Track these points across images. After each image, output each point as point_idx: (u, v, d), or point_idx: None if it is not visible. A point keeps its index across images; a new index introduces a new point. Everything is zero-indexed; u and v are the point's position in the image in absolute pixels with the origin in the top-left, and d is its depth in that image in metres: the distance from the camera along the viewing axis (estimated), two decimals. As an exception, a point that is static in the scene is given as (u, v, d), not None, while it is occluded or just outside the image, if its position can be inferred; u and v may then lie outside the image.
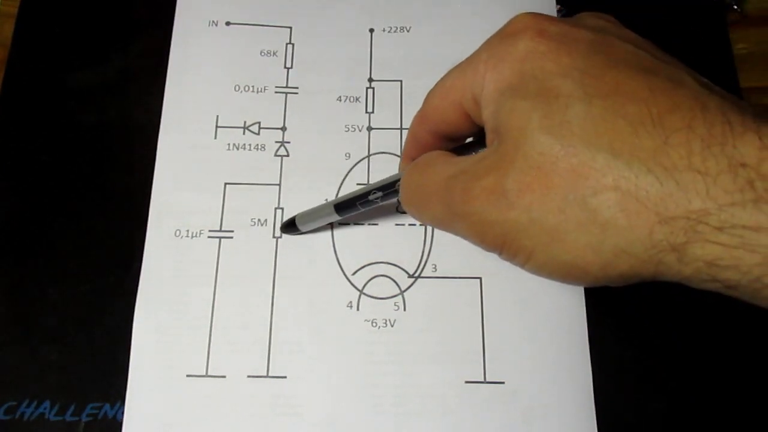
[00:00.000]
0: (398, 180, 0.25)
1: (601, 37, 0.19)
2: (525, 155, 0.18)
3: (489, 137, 0.21)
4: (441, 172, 0.21)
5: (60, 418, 0.30)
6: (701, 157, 0.16)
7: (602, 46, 0.19)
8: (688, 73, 0.19)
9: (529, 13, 0.20)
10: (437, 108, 0.23)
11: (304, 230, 0.32)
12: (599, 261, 0.18)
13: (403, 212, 0.33)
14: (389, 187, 0.26)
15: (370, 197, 0.27)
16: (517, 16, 0.21)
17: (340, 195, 0.34)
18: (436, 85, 0.23)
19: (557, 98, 0.18)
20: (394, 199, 0.27)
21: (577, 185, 0.17)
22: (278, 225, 0.33)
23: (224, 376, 0.31)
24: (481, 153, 0.20)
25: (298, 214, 0.32)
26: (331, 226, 0.33)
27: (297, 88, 0.36)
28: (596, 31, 0.20)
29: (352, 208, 0.29)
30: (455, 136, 0.24)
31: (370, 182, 0.34)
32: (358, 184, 0.34)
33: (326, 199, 0.34)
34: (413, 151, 0.25)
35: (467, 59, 0.22)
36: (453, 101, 0.22)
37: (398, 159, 0.34)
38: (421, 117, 0.24)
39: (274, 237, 0.33)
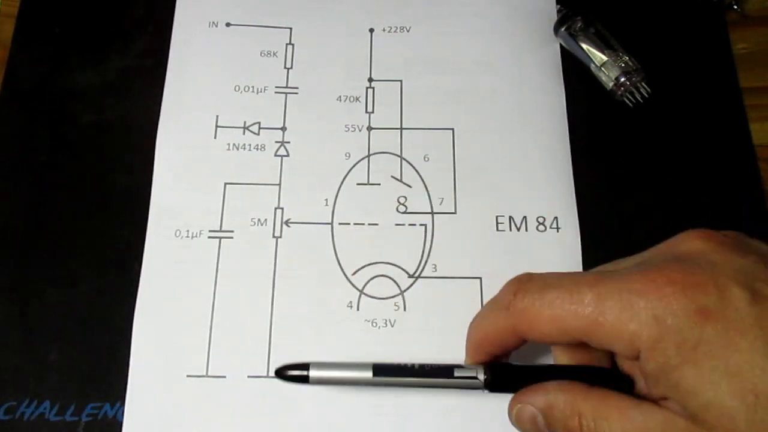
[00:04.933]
0: (474, 378, 0.25)
1: (755, 299, 0.19)
2: None
3: (657, 390, 0.20)
4: (634, 425, 0.20)
5: (60, 418, 0.30)
6: None
7: (763, 314, 0.19)
8: None
9: (678, 270, 0.20)
10: (539, 326, 0.22)
11: (313, 382, 0.26)
12: None
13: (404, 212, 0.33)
14: (465, 384, 0.25)
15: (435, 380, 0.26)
16: (664, 271, 0.20)
17: (338, 200, 0.34)
18: (539, 298, 0.22)
19: (757, 398, 0.18)
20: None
21: None
22: (278, 225, 0.33)
23: (224, 376, 0.30)
24: (669, 411, 0.20)
25: (314, 363, 0.26)
26: (331, 225, 0.33)
27: (297, 88, 0.36)
28: (746, 286, 0.19)
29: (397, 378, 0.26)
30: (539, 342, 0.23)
31: (370, 182, 0.34)
32: (358, 184, 0.34)
33: (326, 200, 0.34)
34: (486, 344, 0.25)
35: (582, 294, 0.21)
36: (565, 329, 0.21)
37: (398, 159, 0.35)
38: (514, 323, 0.23)
39: (273, 237, 0.33)
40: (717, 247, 0.21)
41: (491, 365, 0.25)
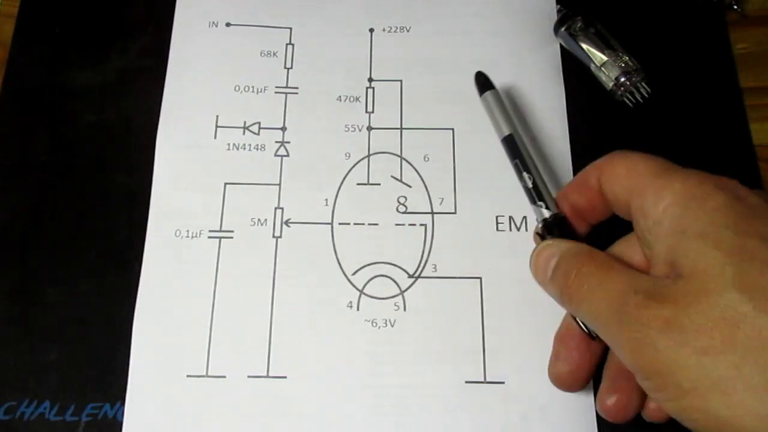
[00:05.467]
0: (548, 218, 0.28)
1: None
2: (712, 303, 0.19)
3: (660, 266, 0.22)
4: (616, 282, 0.22)
5: (60, 418, 0.30)
6: None
7: None
8: None
9: (732, 180, 0.22)
10: (615, 179, 0.25)
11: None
12: (760, 428, 0.18)
13: (403, 211, 0.34)
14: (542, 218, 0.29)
15: (531, 184, 0.30)
16: (722, 178, 0.22)
17: (338, 200, 0.34)
18: (620, 158, 0.25)
19: (753, 260, 0.19)
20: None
21: (763, 351, 0.18)
22: (278, 225, 0.33)
23: (224, 376, 0.31)
24: (658, 277, 0.22)
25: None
26: (331, 225, 0.33)
27: (297, 88, 0.36)
28: None
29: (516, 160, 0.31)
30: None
31: (370, 182, 0.34)
32: (358, 184, 0.34)
33: (326, 200, 0.34)
34: (574, 193, 0.27)
35: (660, 167, 0.24)
36: (622, 187, 0.24)
37: (398, 159, 0.35)
38: (600, 170, 0.26)
39: (273, 237, 0.33)
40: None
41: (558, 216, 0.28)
